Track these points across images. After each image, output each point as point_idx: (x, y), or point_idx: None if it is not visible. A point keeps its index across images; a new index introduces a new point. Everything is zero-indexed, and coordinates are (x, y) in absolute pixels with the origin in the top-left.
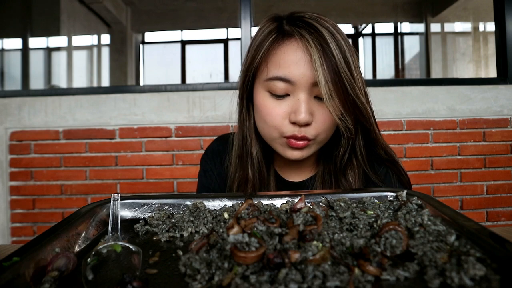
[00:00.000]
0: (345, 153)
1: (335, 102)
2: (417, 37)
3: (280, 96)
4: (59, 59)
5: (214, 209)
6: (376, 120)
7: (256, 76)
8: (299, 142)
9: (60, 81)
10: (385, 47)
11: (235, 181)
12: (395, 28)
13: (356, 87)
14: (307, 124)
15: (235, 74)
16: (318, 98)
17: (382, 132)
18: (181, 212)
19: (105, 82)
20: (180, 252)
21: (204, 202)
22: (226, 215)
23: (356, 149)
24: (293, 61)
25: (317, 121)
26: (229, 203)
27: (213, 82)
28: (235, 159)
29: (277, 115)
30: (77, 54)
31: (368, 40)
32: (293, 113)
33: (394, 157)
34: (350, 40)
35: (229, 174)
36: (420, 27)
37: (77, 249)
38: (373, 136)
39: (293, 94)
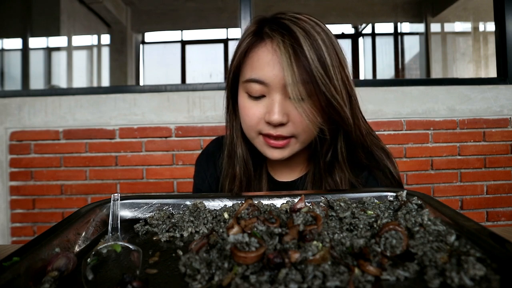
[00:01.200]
0: (327, 153)
1: (306, 103)
2: (417, 37)
3: (256, 97)
4: (59, 59)
5: (214, 209)
6: (376, 120)
7: (239, 78)
8: (277, 142)
9: (60, 81)
10: (385, 47)
11: (226, 179)
12: (395, 28)
13: (332, 87)
14: (282, 124)
15: None
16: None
17: (382, 132)
18: (181, 212)
19: (105, 82)
20: (180, 252)
21: (204, 202)
22: (226, 215)
23: (337, 150)
24: (266, 63)
25: (295, 121)
26: (229, 203)
27: (213, 82)
28: (225, 158)
29: (253, 115)
30: (77, 54)
31: (368, 40)
32: (268, 113)
33: (382, 160)
34: (349, 41)
35: (223, 172)
36: (420, 27)
37: (77, 249)
38: (353, 138)
39: (268, 95)
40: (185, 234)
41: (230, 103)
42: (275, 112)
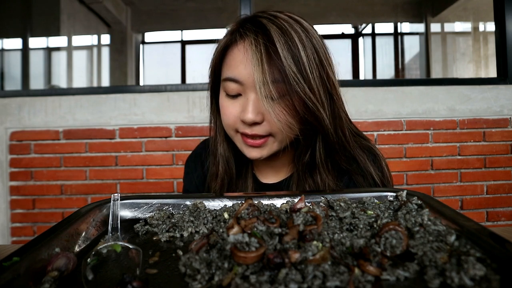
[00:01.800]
0: (305, 155)
1: (278, 103)
2: (417, 37)
3: (233, 96)
4: (59, 59)
5: (214, 209)
6: (376, 120)
7: (220, 77)
8: (254, 141)
9: (60, 81)
10: (385, 47)
11: (210, 178)
12: (395, 28)
13: (307, 87)
14: (256, 123)
15: None
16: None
17: (382, 132)
18: (181, 212)
19: (105, 82)
20: (180, 252)
21: (204, 202)
22: (226, 215)
23: (315, 152)
24: (241, 61)
25: (270, 121)
26: (229, 203)
27: None
28: (210, 157)
29: (230, 114)
30: (77, 54)
31: (368, 40)
32: (242, 112)
33: (364, 163)
34: (349, 41)
35: (209, 172)
36: (420, 27)
37: (77, 249)
38: (331, 139)
39: (244, 94)
40: (185, 234)
41: (213, 102)
42: (249, 111)
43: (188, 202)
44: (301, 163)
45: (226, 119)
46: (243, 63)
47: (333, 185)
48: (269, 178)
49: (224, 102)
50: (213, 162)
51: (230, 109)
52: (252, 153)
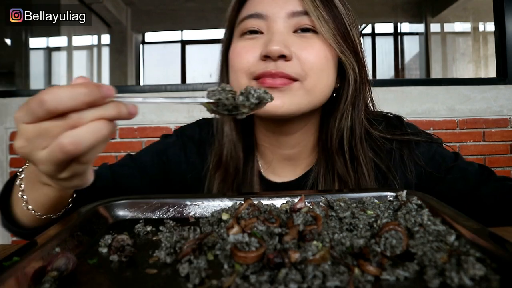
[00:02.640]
0: (341, 120)
1: (330, 30)
2: (417, 37)
3: (252, 33)
4: (59, 59)
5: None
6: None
7: (234, 31)
8: (274, 81)
9: (60, 81)
10: (385, 47)
11: (213, 168)
12: (395, 28)
13: (349, 24)
14: (284, 58)
15: None
16: (302, 30)
17: None
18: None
19: (105, 82)
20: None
21: (204, 202)
22: (224, 217)
23: (344, 128)
24: None
25: (300, 57)
26: (229, 203)
27: (213, 82)
28: (215, 141)
29: (246, 53)
30: (77, 54)
31: (368, 40)
32: (266, 45)
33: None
34: None
35: (212, 162)
36: (420, 27)
37: (77, 249)
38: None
39: (267, 31)
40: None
41: (223, 69)
42: (275, 40)
43: (188, 202)
44: (331, 143)
45: (240, 61)
46: None
47: (373, 181)
48: (283, 175)
49: (239, 44)
50: (218, 148)
51: (247, 48)
52: (274, 104)
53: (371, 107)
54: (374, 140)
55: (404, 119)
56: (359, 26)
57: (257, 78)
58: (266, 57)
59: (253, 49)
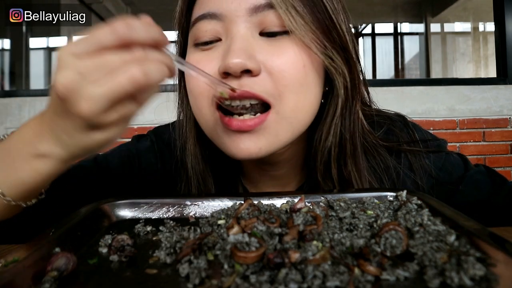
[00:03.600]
0: (328, 136)
1: (305, 25)
2: (417, 37)
3: (207, 43)
4: None
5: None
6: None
7: (188, 36)
8: (242, 120)
9: None
10: (385, 47)
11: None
12: (395, 28)
13: (333, 12)
14: (249, 74)
15: None
16: (268, 34)
17: None
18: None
19: None
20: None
21: (204, 202)
22: (220, 222)
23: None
24: None
25: (271, 70)
26: (229, 203)
27: None
28: (180, 171)
29: (203, 69)
30: None
31: (368, 40)
32: (224, 57)
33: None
34: None
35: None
36: (420, 27)
37: (77, 249)
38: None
39: (225, 36)
40: (185, 234)
41: (181, 83)
42: (234, 50)
43: (188, 202)
44: (314, 164)
45: (197, 82)
46: None
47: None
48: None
49: (193, 56)
50: (185, 181)
51: (204, 63)
52: (241, 145)
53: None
54: (373, 156)
55: (408, 118)
56: (359, 26)
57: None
58: (226, 74)
59: (210, 63)
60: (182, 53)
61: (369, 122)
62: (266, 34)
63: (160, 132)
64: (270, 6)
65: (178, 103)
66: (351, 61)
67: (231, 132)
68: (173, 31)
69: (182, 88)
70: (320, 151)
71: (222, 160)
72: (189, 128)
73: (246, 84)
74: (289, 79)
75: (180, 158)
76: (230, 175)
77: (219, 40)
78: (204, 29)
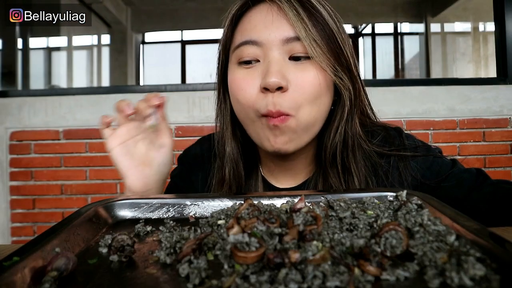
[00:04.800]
0: (335, 135)
1: (323, 54)
2: (417, 37)
3: (249, 62)
4: (59, 59)
5: (213, 222)
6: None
7: (229, 55)
8: (276, 119)
9: (60, 81)
10: (385, 47)
11: (216, 184)
12: (395, 28)
13: (341, 42)
14: (281, 91)
15: None
16: (295, 58)
17: None
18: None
19: (105, 82)
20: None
21: (204, 202)
22: (220, 222)
23: (349, 130)
24: (260, 21)
25: (295, 86)
26: (229, 203)
27: (213, 82)
28: (216, 160)
29: (247, 86)
30: (77, 54)
31: (368, 40)
32: (264, 77)
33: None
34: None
35: (215, 176)
36: (420, 27)
37: (77, 249)
38: (365, 113)
39: (263, 59)
40: (185, 234)
41: (221, 89)
42: (273, 72)
43: (188, 202)
44: (325, 156)
45: (244, 95)
46: (263, 22)
47: (363, 182)
48: (284, 182)
49: (239, 74)
50: (220, 167)
51: (247, 80)
52: (278, 140)
53: (372, 117)
54: (368, 156)
55: (404, 131)
56: (359, 26)
57: (263, 115)
58: (265, 89)
59: (253, 80)
60: (223, 69)
61: (366, 131)
62: (293, 58)
63: (187, 152)
64: (297, 38)
65: (217, 114)
66: (354, 79)
67: (273, 129)
68: (177, 31)
69: (221, 103)
70: (329, 147)
71: (248, 151)
72: (227, 131)
73: (278, 102)
74: (308, 93)
75: (217, 147)
76: (252, 164)
77: (258, 61)
78: (247, 52)
